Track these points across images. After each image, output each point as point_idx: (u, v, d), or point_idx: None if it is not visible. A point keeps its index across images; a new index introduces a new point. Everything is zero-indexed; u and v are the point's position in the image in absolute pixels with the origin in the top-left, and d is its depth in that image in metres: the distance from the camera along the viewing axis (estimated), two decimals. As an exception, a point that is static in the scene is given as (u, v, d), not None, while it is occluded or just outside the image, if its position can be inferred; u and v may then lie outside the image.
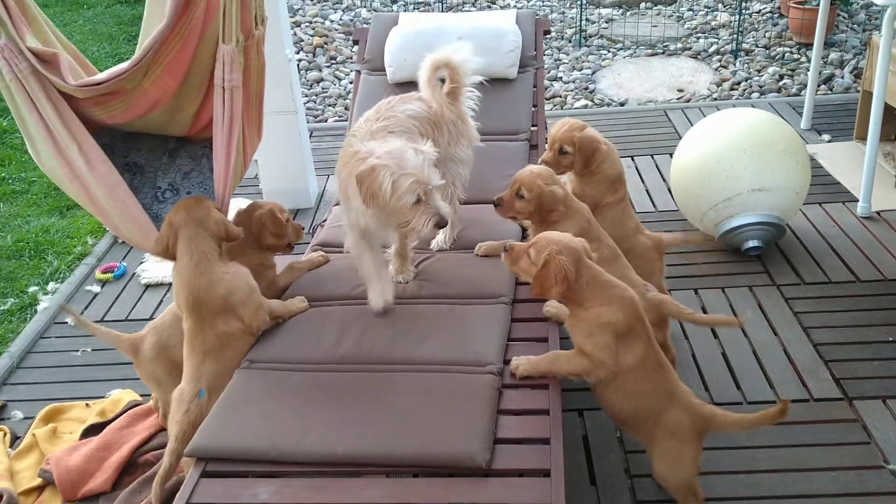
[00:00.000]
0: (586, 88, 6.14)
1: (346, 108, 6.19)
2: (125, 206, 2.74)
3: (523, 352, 2.51)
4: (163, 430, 2.94)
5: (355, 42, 4.12)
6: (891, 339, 3.22)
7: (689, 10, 7.42)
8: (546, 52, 6.77)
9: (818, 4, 5.02)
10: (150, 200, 3.06)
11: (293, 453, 2.13)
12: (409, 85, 3.50)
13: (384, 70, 3.84)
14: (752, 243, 3.73)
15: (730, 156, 3.66)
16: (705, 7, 7.46)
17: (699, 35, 6.87)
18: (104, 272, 4.18)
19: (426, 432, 2.14)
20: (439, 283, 2.82)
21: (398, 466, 2.10)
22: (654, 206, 4.38)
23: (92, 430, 3.07)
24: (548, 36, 6.78)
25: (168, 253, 2.61)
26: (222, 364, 2.49)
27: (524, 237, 3.04)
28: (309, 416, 2.24)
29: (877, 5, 4.83)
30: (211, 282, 2.52)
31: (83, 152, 2.61)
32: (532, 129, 3.63)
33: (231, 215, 2.86)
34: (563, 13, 7.54)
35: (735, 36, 6.58)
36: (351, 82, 6.59)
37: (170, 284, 4.02)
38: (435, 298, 2.74)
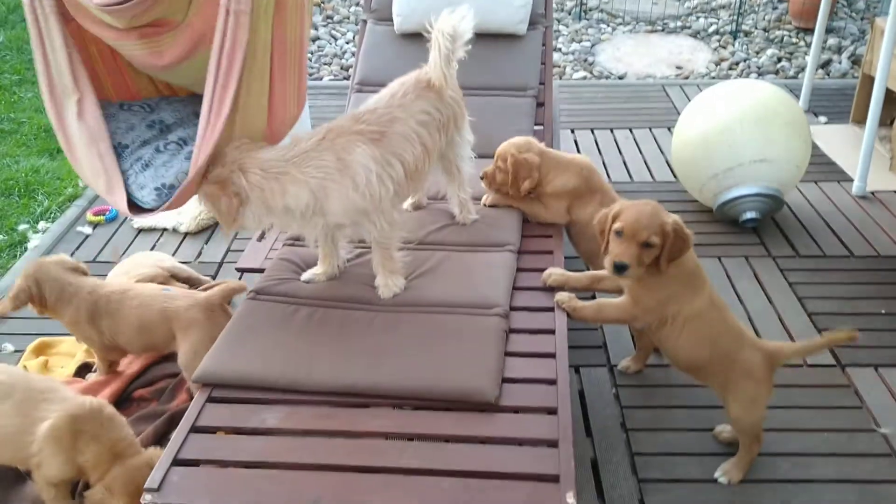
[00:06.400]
0: (585, 60, 6.13)
1: (341, 68, 6.13)
2: (100, 161, 2.61)
3: (529, 300, 2.52)
4: (157, 362, 2.92)
5: (363, -9, 4.06)
6: (883, 311, 3.26)
7: (690, -10, 7.41)
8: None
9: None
10: (150, 151, 2.98)
11: (303, 382, 2.12)
12: (417, 37, 3.47)
13: (391, 20, 3.80)
14: (749, 214, 3.75)
15: (734, 126, 3.67)
16: (705, -12, 7.46)
17: (699, 14, 6.87)
18: (96, 214, 4.13)
19: (436, 367, 2.14)
20: (446, 231, 2.81)
21: (408, 399, 2.09)
22: (653, 177, 4.39)
23: (85, 369, 3.03)
24: None
25: None
26: None
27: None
28: (317, 348, 2.23)
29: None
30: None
31: (80, 105, 2.52)
32: (540, 86, 3.61)
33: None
34: (564, -14, 7.51)
35: (735, 17, 6.59)
36: (347, 42, 6.54)
37: (163, 230, 3.99)
38: (441, 245, 2.73)
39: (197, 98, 3.09)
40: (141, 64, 2.65)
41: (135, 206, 2.54)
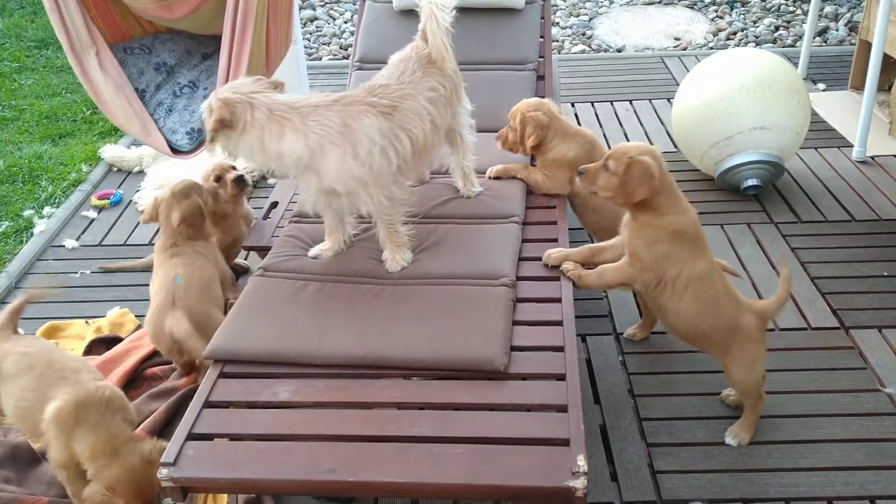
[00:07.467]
0: (583, 34, 6.11)
1: (340, 47, 6.12)
2: (129, 105, 2.94)
3: (535, 270, 2.55)
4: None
5: (360, -32, 4.05)
6: (885, 273, 3.29)
7: (686, -39, 7.37)
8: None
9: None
10: (168, 97, 3.15)
11: (314, 355, 2.15)
12: (416, 13, 3.46)
13: (390, -4, 3.80)
14: (751, 182, 3.77)
15: (733, 94, 3.68)
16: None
17: (696, -15, 6.84)
18: (100, 198, 4.14)
19: (444, 337, 2.17)
20: (450, 205, 2.83)
21: (418, 369, 2.12)
22: (653, 147, 4.40)
23: (95, 347, 3.06)
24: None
25: None
26: None
27: (533, 163, 3.06)
28: (327, 322, 2.25)
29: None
30: None
31: (99, 58, 2.79)
32: (539, 59, 3.61)
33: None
34: (560, -40, 7.47)
35: (732, -13, 6.57)
36: (346, 21, 6.52)
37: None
38: (447, 218, 2.75)
39: (185, 34, 3.37)
40: (144, 12, 2.90)
41: (172, 149, 2.92)
